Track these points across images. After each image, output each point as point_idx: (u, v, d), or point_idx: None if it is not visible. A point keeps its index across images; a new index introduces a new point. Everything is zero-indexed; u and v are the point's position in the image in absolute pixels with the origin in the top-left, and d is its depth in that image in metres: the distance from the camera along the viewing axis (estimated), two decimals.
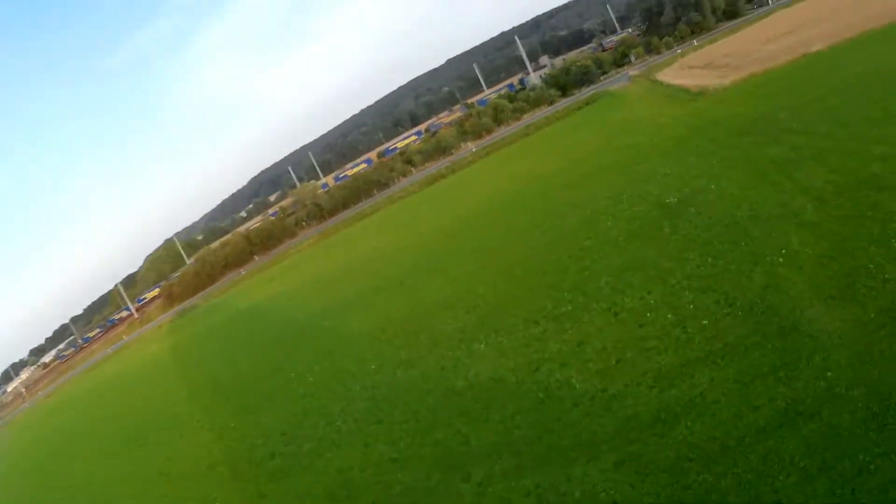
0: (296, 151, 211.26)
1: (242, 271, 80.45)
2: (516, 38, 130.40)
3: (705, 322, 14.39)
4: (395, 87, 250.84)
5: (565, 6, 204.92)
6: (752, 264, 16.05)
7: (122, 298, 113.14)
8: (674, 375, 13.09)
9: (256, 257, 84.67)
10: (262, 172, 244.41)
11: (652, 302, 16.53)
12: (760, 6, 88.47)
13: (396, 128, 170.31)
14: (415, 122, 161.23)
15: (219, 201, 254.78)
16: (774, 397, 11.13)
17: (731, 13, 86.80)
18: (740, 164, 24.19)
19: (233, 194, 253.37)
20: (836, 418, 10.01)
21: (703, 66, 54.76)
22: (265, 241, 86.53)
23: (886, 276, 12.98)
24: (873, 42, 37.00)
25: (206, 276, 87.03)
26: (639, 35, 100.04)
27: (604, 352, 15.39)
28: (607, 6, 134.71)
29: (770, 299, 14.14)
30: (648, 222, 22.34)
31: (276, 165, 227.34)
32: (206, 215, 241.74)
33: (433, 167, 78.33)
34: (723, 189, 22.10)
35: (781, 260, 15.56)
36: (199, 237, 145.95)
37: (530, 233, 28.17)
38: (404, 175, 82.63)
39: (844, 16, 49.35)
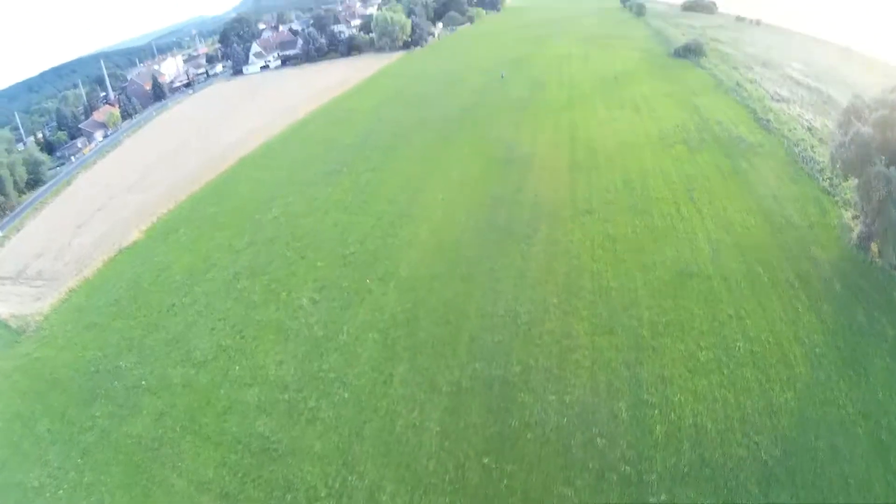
0: None
1: None
2: None
3: None
4: None
5: None
6: None
7: None
8: None
9: None
10: None
11: None
12: (61, 163, 78.13)
13: None
14: None
15: None
16: None
17: (34, 181, 71.59)
18: (106, 455, 20.14)
19: None
20: None
21: (16, 276, 42.94)
22: None
23: None
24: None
25: None
26: None
27: None
28: None
29: None
30: None
31: None
32: None
33: None
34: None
35: None
36: None
37: None
38: None
39: (156, 175, 48.70)
